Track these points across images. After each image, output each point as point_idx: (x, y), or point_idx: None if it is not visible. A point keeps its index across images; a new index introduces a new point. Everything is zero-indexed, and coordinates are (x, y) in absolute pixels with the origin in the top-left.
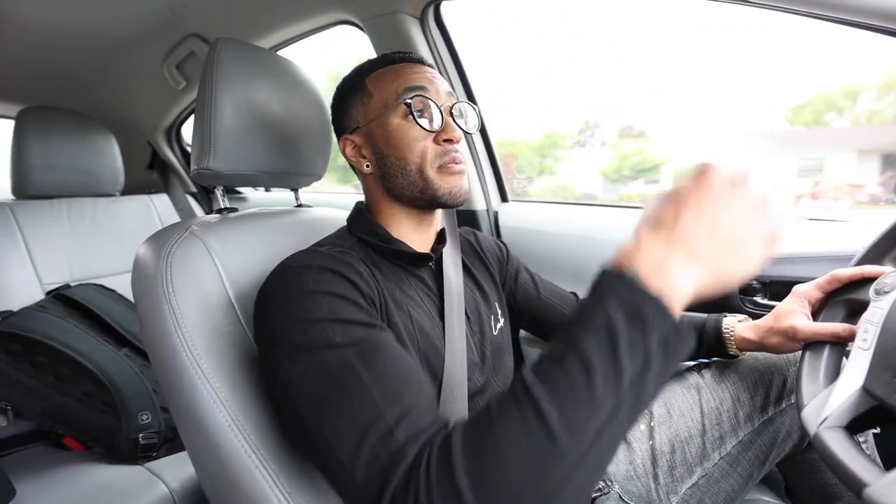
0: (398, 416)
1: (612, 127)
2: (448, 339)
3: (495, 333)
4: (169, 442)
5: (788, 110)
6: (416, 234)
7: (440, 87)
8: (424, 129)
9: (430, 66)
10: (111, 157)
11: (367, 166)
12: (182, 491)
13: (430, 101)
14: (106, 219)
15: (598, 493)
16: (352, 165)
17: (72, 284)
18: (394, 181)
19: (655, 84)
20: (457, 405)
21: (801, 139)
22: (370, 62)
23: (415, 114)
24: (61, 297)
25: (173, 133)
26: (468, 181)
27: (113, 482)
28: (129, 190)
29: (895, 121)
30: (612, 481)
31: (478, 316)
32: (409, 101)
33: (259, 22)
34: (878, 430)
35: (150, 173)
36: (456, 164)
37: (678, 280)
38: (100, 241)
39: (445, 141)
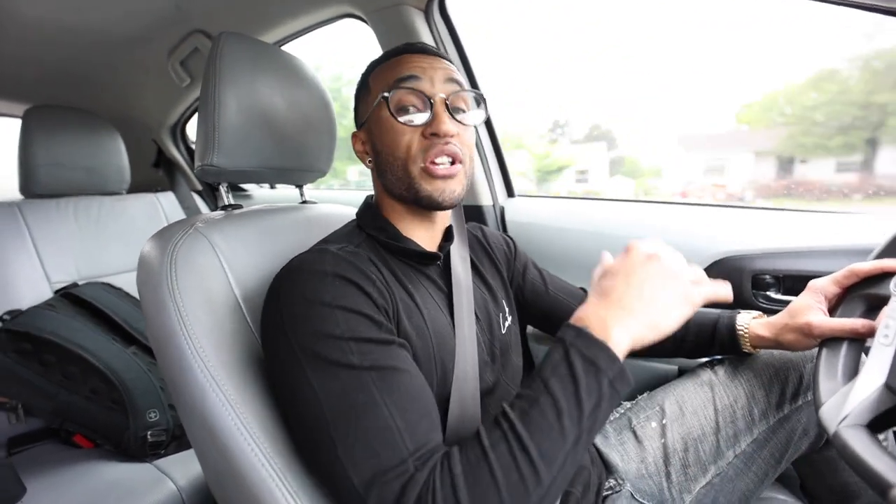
0: (411, 445)
1: (581, 126)
2: (459, 338)
3: (503, 332)
4: (177, 439)
5: (741, 108)
6: (422, 231)
7: (436, 74)
8: (400, 122)
9: (433, 52)
10: (117, 155)
11: (370, 162)
12: (190, 489)
13: (417, 92)
14: (112, 217)
15: (610, 492)
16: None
17: (79, 283)
18: (385, 177)
19: (624, 82)
20: (468, 405)
21: (718, 141)
22: (376, 59)
23: (391, 107)
24: (69, 296)
25: (178, 131)
26: (468, 179)
27: (122, 480)
28: (134, 188)
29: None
30: (623, 479)
31: (486, 314)
32: (386, 94)
33: (263, 16)
34: None
35: (155, 171)
36: (437, 165)
37: (619, 333)
38: (106, 240)
39: (432, 135)
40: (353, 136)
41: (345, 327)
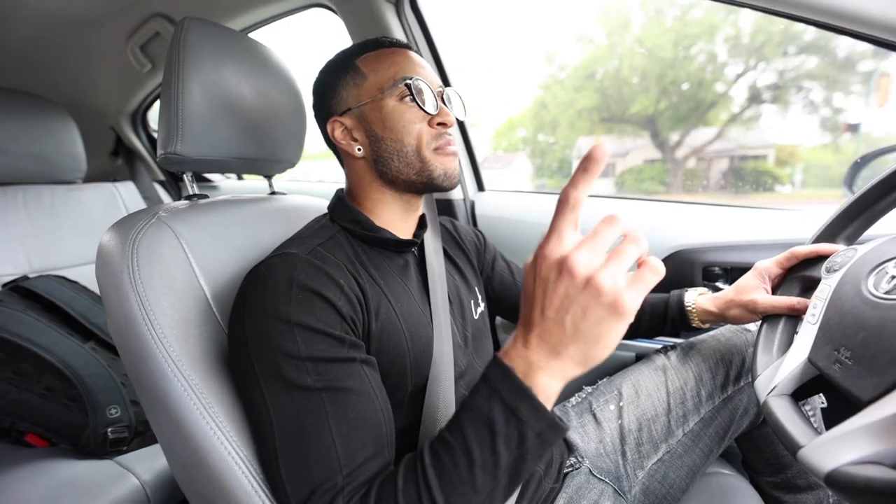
0: (348, 474)
1: None
2: (435, 324)
3: (476, 317)
4: (140, 436)
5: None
6: (401, 220)
7: (430, 73)
8: (425, 111)
9: (417, 52)
10: (71, 142)
11: (359, 150)
12: (154, 483)
13: (426, 86)
14: (66, 207)
15: (570, 469)
16: (337, 149)
17: (30, 276)
18: (388, 164)
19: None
20: (443, 389)
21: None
22: (359, 45)
23: (417, 98)
24: (19, 290)
25: (139, 118)
26: None
27: (81, 477)
28: (92, 178)
29: None
30: (583, 457)
31: (458, 299)
32: (409, 83)
33: (228, 2)
34: (825, 405)
35: (114, 160)
36: (450, 146)
37: (546, 378)
38: (60, 231)
39: (439, 124)
40: (333, 122)
41: (303, 346)
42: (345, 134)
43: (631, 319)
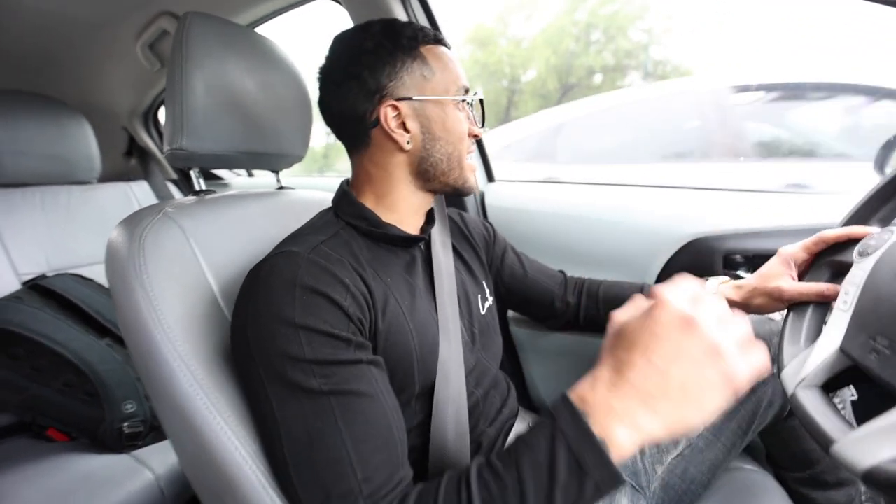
0: (362, 479)
1: None
2: (441, 322)
3: (483, 312)
4: (155, 430)
5: None
6: (413, 216)
7: None
8: (475, 126)
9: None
10: (86, 143)
11: (409, 143)
12: (168, 477)
13: (477, 101)
14: (82, 207)
15: None
16: (362, 132)
17: (49, 274)
18: (437, 165)
19: None
20: (452, 388)
21: None
22: (419, 30)
23: (473, 112)
24: (38, 288)
25: (150, 118)
26: None
27: (97, 471)
28: (107, 177)
29: None
30: None
31: (465, 295)
32: (477, 91)
33: None
34: (855, 397)
35: (128, 160)
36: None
37: (625, 434)
38: (76, 230)
39: (472, 136)
40: (387, 104)
41: (308, 349)
42: (397, 121)
43: (740, 392)
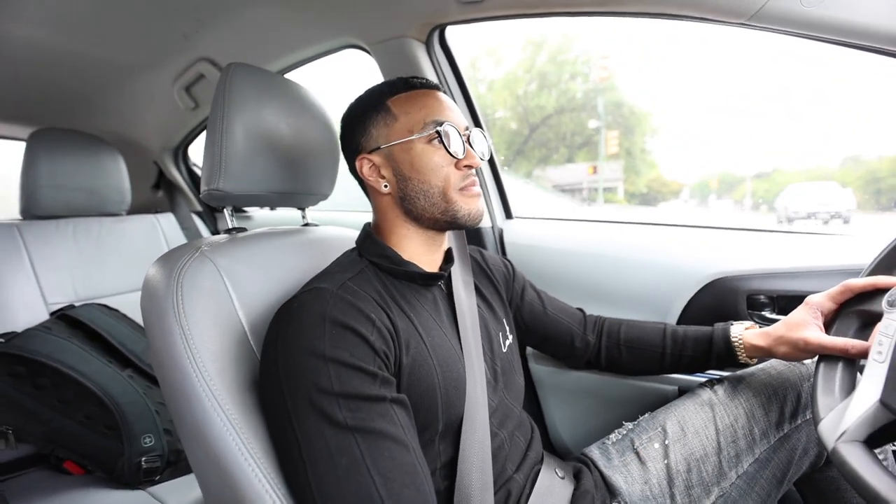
0: None
1: None
2: (467, 364)
3: (504, 350)
4: (172, 465)
5: None
6: (426, 254)
7: (458, 116)
8: (452, 156)
9: (445, 93)
10: (119, 177)
11: (386, 186)
12: None
13: (454, 130)
14: (111, 238)
15: None
16: (364, 185)
17: (76, 304)
18: (414, 203)
19: None
20: (478, 431)
21: None
22: (389, 84)
23: (445, 143)
24: (66, 318)
25: (180, 153)
26: None
27: None
28: (134, 209)
29: None
30: (627, 503)
31: (486, 332)
32: (439, 129)
33: (269, 46)
34: None
35: (155, 192)
36: (474, 186)
37: None
38: (104, 261)
39: (465, 167)
40: (361, 159)
41: (336, 382)
42: (372, 170)
43: None
